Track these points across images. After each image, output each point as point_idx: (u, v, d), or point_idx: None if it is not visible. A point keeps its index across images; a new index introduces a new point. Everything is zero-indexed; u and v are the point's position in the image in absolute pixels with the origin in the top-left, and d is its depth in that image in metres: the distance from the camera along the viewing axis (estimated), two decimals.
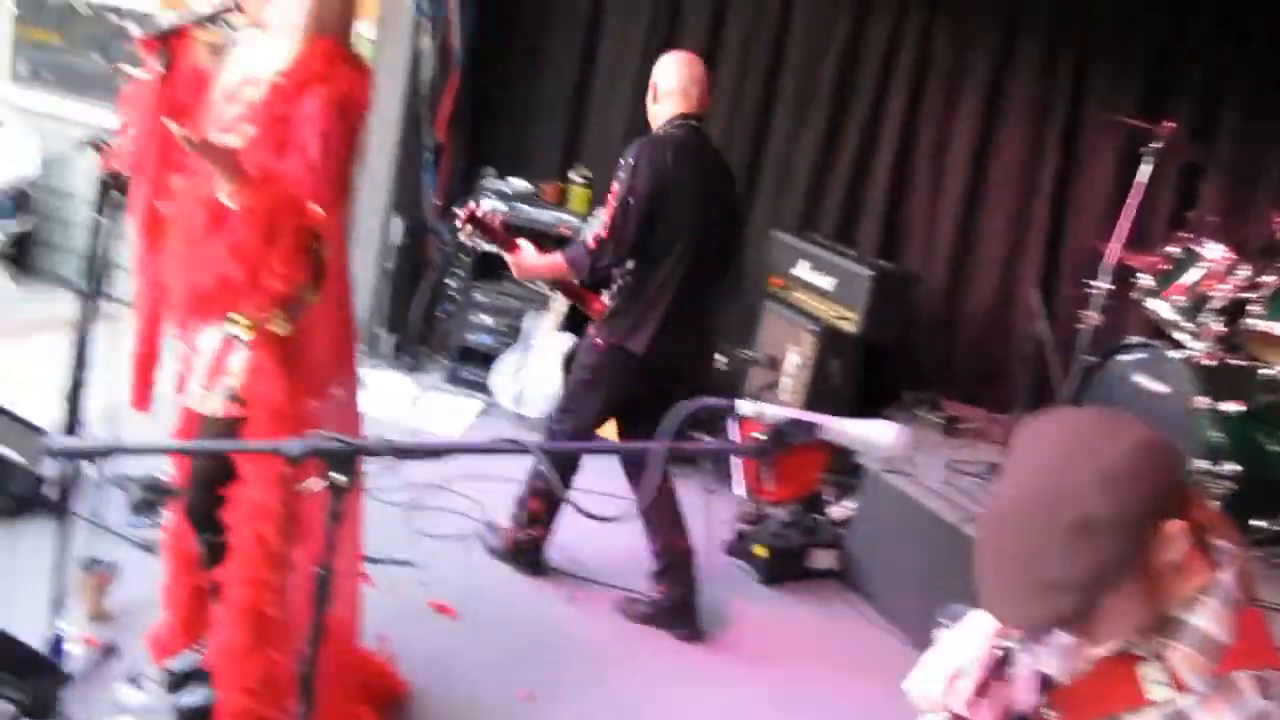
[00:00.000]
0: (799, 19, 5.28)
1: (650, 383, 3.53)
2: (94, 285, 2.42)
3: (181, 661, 2.72)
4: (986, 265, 5.10)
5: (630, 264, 3.50)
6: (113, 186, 2.33)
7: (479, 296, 5.42)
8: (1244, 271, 3.80)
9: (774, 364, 4.83)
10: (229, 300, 2.22)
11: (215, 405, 2.34)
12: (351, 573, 2.69)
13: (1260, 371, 3.81)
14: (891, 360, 4.88)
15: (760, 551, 4.06)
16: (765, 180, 5.44)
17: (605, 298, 3.63)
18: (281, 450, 1.37)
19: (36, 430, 3.75)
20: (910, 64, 5.09)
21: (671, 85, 3.54)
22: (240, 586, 2.39)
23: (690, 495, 4.73)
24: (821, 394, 4.66)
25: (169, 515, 2.85)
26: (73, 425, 2.48)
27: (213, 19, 2.32)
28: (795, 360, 4.75)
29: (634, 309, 3.49)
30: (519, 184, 5.43)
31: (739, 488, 4.68)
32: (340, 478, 1.38)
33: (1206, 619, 1.29)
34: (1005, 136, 5.03)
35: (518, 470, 3.82)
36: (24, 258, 6.86)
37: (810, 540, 4.17)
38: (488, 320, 5.41)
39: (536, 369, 5.08)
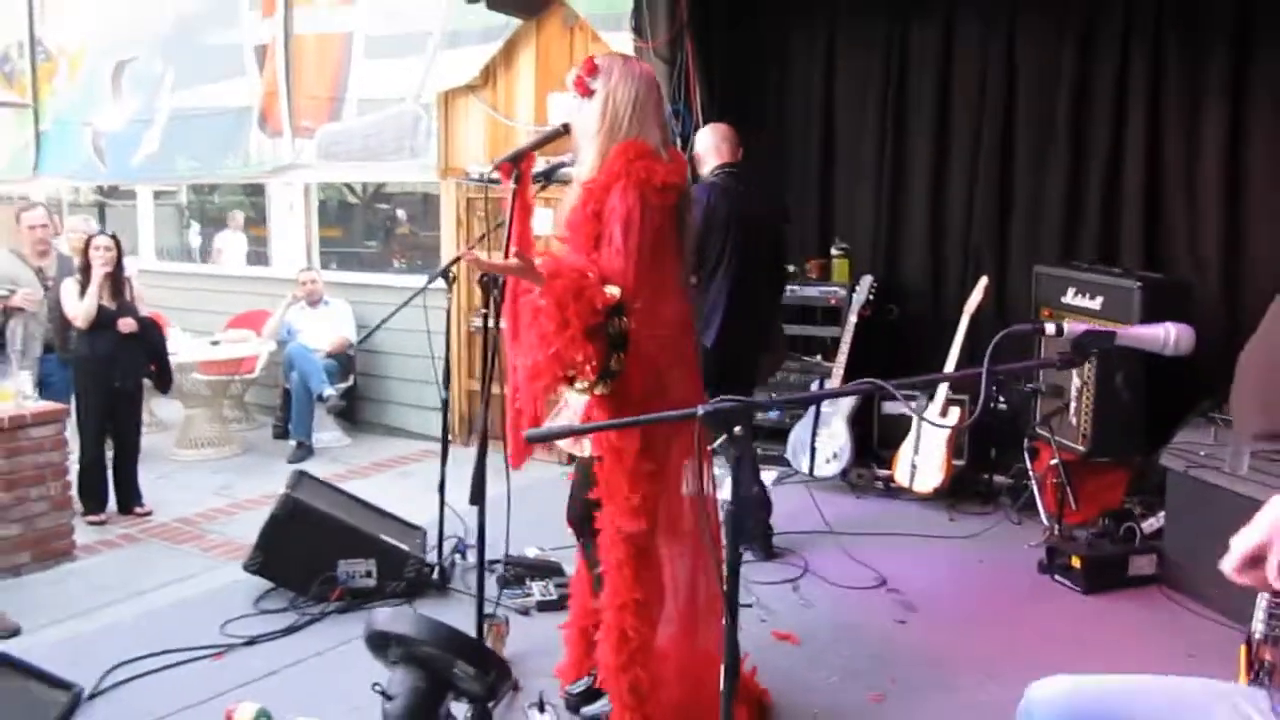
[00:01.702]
0: (1023, 61, 5.57)
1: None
2: (487, 380, 2.91)
3: (578, 686, 3.18)
4: (1260, 261, 5.05)
5: (695, 279, 4.30)
6: (493, 286, 2.88)
7: None
8: None
9: (1058, 392, 4.96)
10: (545, 377, 2.61)
11: (584, 447, 2.82)
12: (716, 611, 3.06)
13: None
14: (1178, 368, 4.89)
15: (1075, 562, 4.17)
16: (1018, 220, 5.66)
17: None
18: (694, 414, 1.78)
19: (415, 528, 4.41)
20: (1145, 83, 5.23)
21: (705, 147, 4.49)
22: (609, 611, 2.81)
23: (995, 527, 4.95)
24: (1109, 411, 4.75)
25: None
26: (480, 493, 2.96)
27: (549, 140, 2.89)
28: (1076, 384, 4.87)
29: (705, 313, 4.26)
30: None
31: (1043, 514, 4.81)
32: (739, 429, 1.77)
33: None
34: (1255, 127, 5.03)
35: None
36: (349, 412, 7.86)
37: (1126, 548, 4.25)
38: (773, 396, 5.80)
39: (826, 433, 5.42)
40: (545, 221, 6.31)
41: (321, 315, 7.71)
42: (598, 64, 2.77)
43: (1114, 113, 5.35)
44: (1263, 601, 1.78)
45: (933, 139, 5.84)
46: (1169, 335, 1.86)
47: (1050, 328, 1.92)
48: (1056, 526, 4.57)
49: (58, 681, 3.03)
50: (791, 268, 5.52)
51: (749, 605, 3.95)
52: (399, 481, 6.62)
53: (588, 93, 2.75)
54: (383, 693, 2.45)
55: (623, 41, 6.24)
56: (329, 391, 7.25)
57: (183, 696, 3.26)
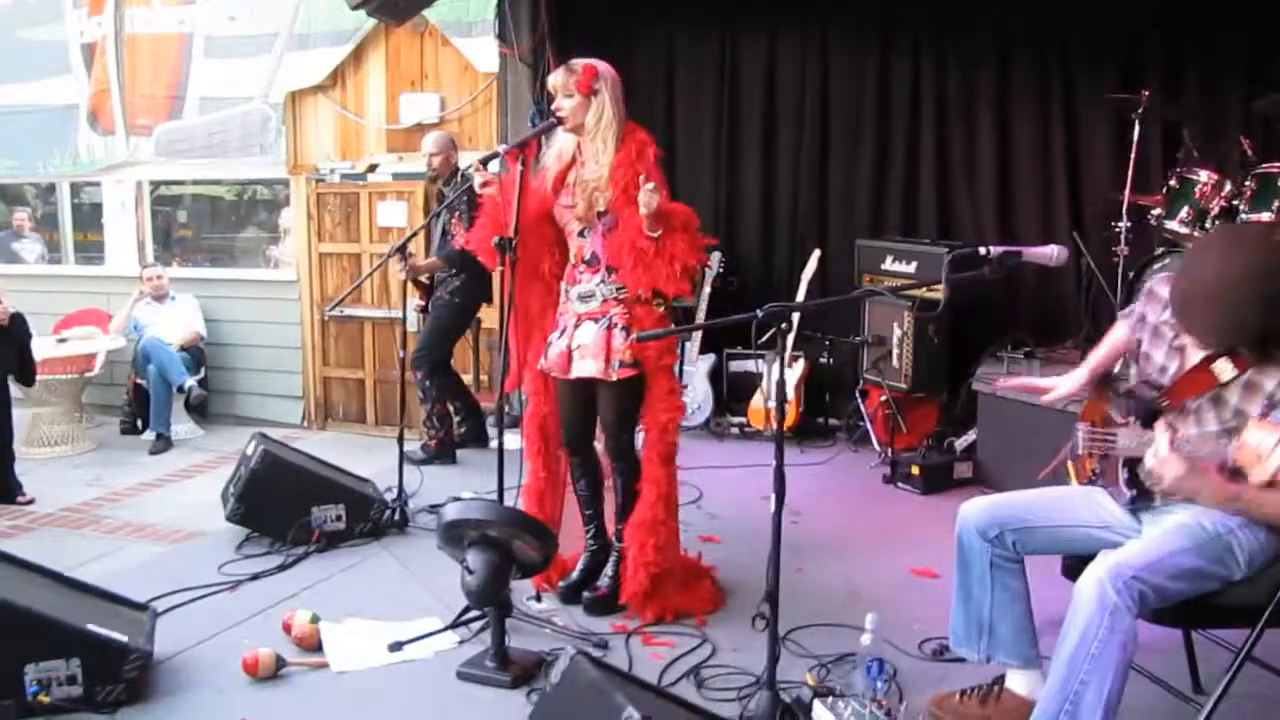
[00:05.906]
0: (835, 71, 6.65)
1: None
2: (504, 337, 3.58)
3: (567, 580, 3.88)
4: (1026, 231, 6.32)
5: None
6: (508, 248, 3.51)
7: None
8: (1229, 185, 5.01)
9: (881, 341, 6.01)
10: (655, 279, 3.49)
11: (613, 373, 3.57)
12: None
13: None
14: (974, 319, 6.07)
15: (915, 470, 5.22)
16: (834, 203, 6.74)
17: None
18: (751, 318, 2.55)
19: (364, 480, 4.94)
20: (933, 87, 6.43)
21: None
22: (645, 505, 3.62)
23: (838, 456, 5.97)
24: (924, 355, 5.84)
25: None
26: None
27: (547, 130, 3.58)
28: (898, 334, 5.94)
29: None
30: None
31: (875, 442, 5.87)
32: (785, 325, 2.57)
33: None
34: (1020, 128, 6.32)
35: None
36: (199, 405, 8.01)
37: (951, 457, 5.35)
38: None
39: (689, 388, 6.30)
40: (393, 213, 6.94)
41: (169, 310, 7.87)
42: (597, 69, 3.49)
43: (910, 111, 6.51)
44: (1080, 429, 2.76)
45: (761, 132, 6.82)
46: (1053, 252, 2.77)
47: (982, 249, 2.77)
48: (889, 451, 5.62)
49: (132, 603, 3.43)
50: None
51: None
52: None
53: (592, 93, 3.47)
54: (466, 567, 3.08)
55: (478, 47, 6.88)
56: (190, 382, 7.45)
57: (229, 617, 3.73)
